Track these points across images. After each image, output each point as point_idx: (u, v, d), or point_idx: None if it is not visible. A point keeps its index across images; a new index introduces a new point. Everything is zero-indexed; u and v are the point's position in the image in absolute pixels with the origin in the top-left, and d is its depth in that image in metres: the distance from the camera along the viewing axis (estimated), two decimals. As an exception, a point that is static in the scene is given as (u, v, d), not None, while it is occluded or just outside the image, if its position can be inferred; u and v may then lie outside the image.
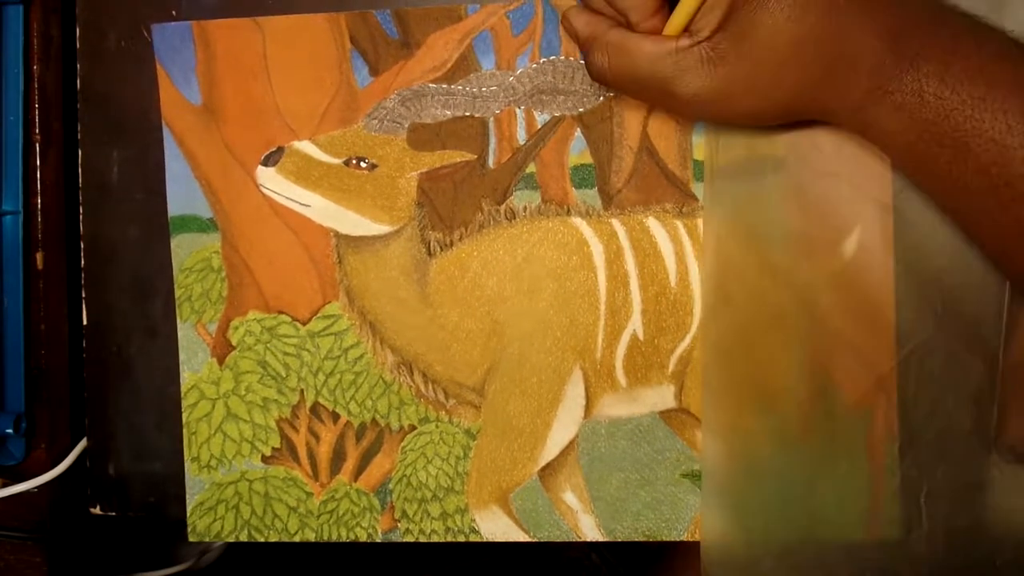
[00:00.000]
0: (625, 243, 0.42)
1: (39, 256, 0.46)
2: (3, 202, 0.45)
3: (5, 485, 0.46)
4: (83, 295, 0.46)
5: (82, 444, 0.47)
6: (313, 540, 0.45)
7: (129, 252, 0.45)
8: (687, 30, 0.35)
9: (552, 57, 0.41)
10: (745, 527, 0.41)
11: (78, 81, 0.45)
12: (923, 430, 0.40)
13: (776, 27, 0.32)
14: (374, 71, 0.42)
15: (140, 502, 0.46)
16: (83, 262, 0.46)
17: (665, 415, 0.42)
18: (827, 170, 0.40)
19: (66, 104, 0.47)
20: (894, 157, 0.35)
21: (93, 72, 0.45)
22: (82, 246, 0.46)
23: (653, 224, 0.42)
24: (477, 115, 0.42)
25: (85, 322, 0.46)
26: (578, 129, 0.42)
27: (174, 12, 0.44)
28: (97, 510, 0.47)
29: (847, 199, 0.40)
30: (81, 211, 0.46)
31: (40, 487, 0.46)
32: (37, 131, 0.46)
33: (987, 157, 0.30)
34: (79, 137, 0.45)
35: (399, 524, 0.44)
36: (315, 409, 0.44)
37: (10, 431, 0.45)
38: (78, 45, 0.45)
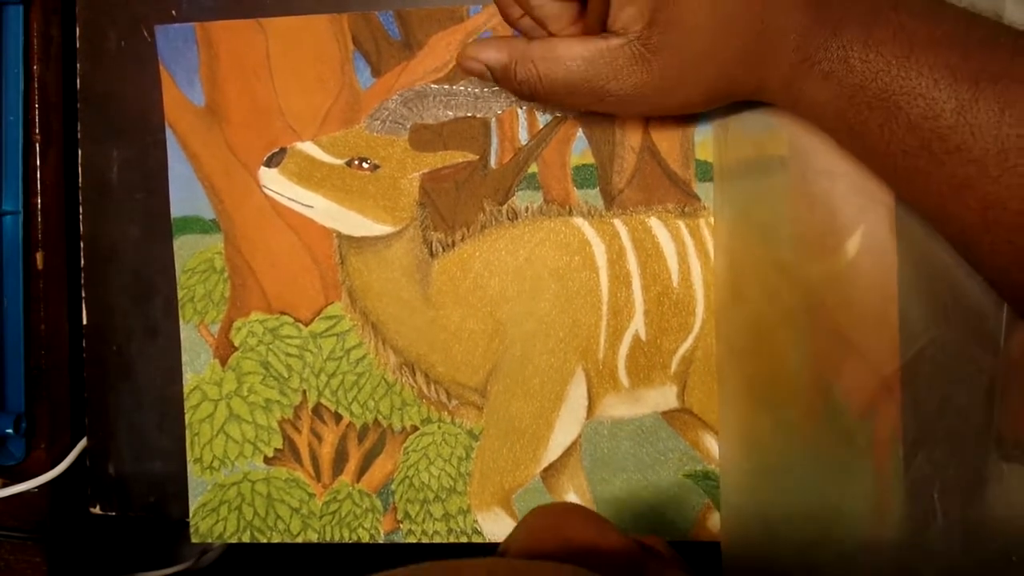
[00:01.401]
0: (627, 243, 0.42)
1: (39, 256, 0.46)
2: (3, 202, 0.45)
3: (5, 485, 0.46)
4: (83, 295, 0.46)
5: (82, 444, 0.47)
6: (316, 541, 0.45)
7: (129, 252, 0.45)
8: (607, 27, 0.34)
9: (554, 58, 0.41)
10: (765, 524, 0.41)
11: (78, 81, 0.45)
12: (935, 426, 0.40)
13: (701, 8, 0.32)
14: (376, 72, 0.42)
15: (140, 502, 0.46)
16: (83, 262, 0.46)
17: (668, 415, 0.42)
18: (830, 169, 0.40)
19: (66, 104, 0.47)
20: (827, 128, 0.35)
21: (93, 72, 0.45)
22: (82, 246, 0.46)
23: (655, 224, 0.42)
24: (479, 115, 0.42)
25: (85, 322, 0.46)
26: (580, 129, 0.42)
27: (174, 12, 0.44)
28: (97, 510, 0.46)
29: (850, 197, 0.40)
30: (81, 211, 0.45)
31: (40, 487, 0.46)
32: (37, 131, 0.46)
33: (917, 113, 0.31)
34: (79, 137, 0.45)
35: (401, 525, 0.44)
36: (317, 410, 0.44)
37: (10, 431, 0.45)
38: (78, 45, 0.45)
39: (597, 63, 0.34)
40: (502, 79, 0.37)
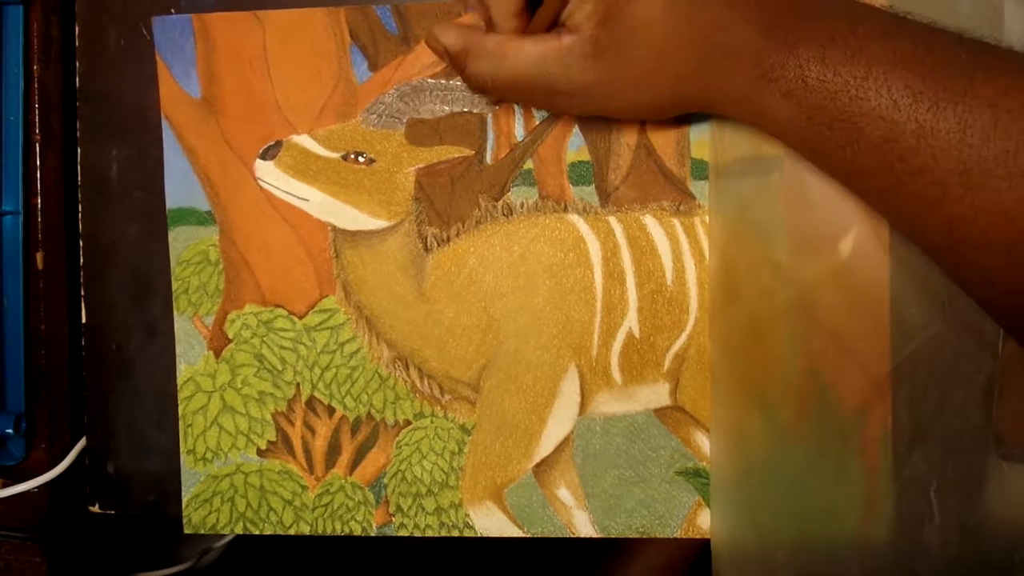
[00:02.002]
0: (622, 240, 0.42)
1: (39, 256, 0.46)
2: (3, 202, 0.45)
3: (5, 485, 0.46)
4: (82, 294, 0.46)
5: (81, 443, 0.47)
6: (308, 533, 0.45)
7: (128, 250, 0.45)
8: (560, 26, 0.35)
9: (551, 54, 0.41)
10: (755, 523, 0.41)
11: (77, 80, 0.45)
12: (932, 424, 0.40)
13: (652, 18, 0.33)
14: (373, 66, 0.43)
15: (139, 500, 0.46)
16: (82, 261, 0.46)
17: (660, 413, 0.42)
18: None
19: (66, 104, 0.47)
20: (792, 144, 0.35)
21: (93, 71, 0.45)
22: (81, 245, 0.46)
23: (650, 222, 0.42)
24: (475, 111, 0.42)
25: (84, 321, 0.46)
26: (576, 126, 0.42)
27: (173, 11, 0.44)
28: (96, 508, 0.46)
29: (844, 198, 0.40)
30: (80, 209, 0.45)
31: (40, 487, 0.46)
32: (37, 131, 0.45)
33: (877, 135, 0.31)
34: (78, 136, 0.45)
35: (393, 518, 0.44)
36: (311, 403, 0.44)
37: (10, 431, 0.45)
38: (77, 43, 0.45)
39: (548, 60, 0.35)
40: (456, 67, 0.37)
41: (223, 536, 0.59)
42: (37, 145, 0.45)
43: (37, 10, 0.45)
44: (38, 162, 0.45)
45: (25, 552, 0.47)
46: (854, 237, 0.40)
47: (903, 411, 0.40)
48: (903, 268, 0.40)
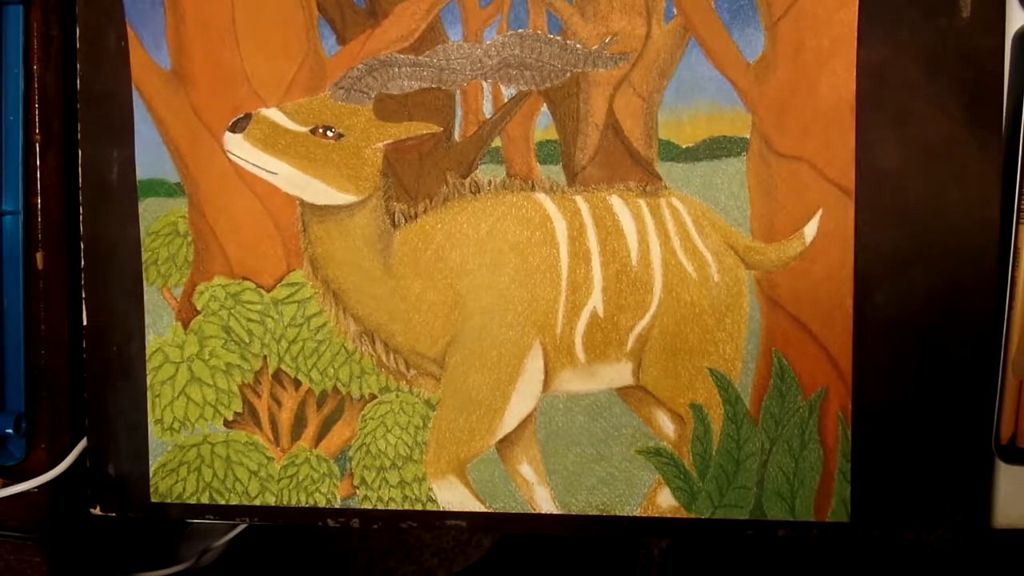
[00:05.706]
0: (588, 220, 0.42)
1: (39, 256, 0.46)
2: (3, 202, 0.45)
3: (5, 485, 0.46)
4: (83, 295, 0.46)
5: (82, 444, 0.47)
6: (273, 504, 0.45)
7: (129, 252, 0.45)
8: None
9: (520, 30, 0.41)
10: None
11: (78, 81, 0.45)
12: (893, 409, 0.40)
13: None
14: (341, 39, 0.42)
15: (140, 502, 0.46)
16: (83, 262, 0.45)
17: (622, 392, 0.43)
18: (791, 153, 0.40)
19: (66, 104, 0.46)
20: None
21: (93, 71, 0.45)
22: (82, 246, 0.45)
23: (616, 202, 0.42)
24: (444, 87, 0.42)
25: (85, 322, 0.46)
26: (544, 105, 0.42)
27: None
28: (97, 511, 0.47)
29: (810, 183, 0.40)
30: (81, 211, 0.45)
31: (40, 487, 0.46)
32: (37, 131, 0.45)
33: None
34: (79, 137, 0.45)
35: (357, 491, 0.45)
36: (277, 375, 0.45)
37: (10, 431, 0.45)
38: (78, 45, 0.45)
39: None
40: None
41: (223, 536, 0.59)
42: (37, 145, 0.45)
43: (37, 10, 0.45)
44: (38, 162, 0.45)
45: (25, 552, 0.47)
46: (819, 221, 0.40)
47: (864, 395, 0.41)
48: (867, 255, 0.40)
